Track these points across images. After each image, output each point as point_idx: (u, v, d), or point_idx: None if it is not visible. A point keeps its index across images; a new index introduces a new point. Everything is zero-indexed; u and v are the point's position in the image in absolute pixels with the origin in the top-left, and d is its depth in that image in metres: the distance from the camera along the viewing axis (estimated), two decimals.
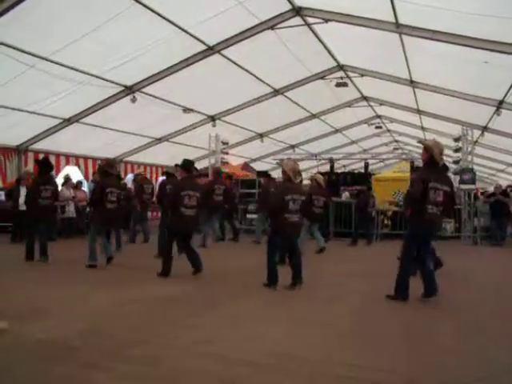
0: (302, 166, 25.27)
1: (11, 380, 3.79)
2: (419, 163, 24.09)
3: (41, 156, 14.86)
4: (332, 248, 12.23)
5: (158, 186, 12.32)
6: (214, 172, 14.15)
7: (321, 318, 5.70)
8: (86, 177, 16.70)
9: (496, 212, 14.63)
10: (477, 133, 16.93)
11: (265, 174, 15.31)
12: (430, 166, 6.44)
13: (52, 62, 10.49)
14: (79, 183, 15.70)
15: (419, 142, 7.38)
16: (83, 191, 15.86)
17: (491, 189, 17.18)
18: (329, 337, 4.96)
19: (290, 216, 7.11)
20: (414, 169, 14.73)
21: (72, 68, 11.07)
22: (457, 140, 15.68)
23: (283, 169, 7.40)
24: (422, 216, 6.30)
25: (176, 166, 9.53)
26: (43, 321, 5.33)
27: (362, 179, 18.04)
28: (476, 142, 17.44)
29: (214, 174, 13.79)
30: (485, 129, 16.67)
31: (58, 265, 9.39)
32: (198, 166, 20.99)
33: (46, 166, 9.70)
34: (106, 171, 9.10)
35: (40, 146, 14.69)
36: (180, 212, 7.95)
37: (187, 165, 8.41)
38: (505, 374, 4.05)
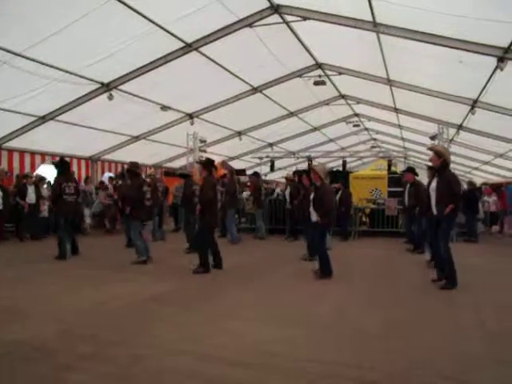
0: (281, 164, 25.43)
1: None
2: (397, 161, 24.49)
3: (15, 154, 14.66)
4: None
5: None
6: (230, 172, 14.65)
7: (303, 315, 5.73)
8: None
9: (466, 209, 14.89)
10: (452, 131, 17.15)
11: (255, 174, 15.80)
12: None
13: (26, 58, 10.29)
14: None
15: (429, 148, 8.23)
16: None
17: (465, 186, 17.46)
18: (310, 334, 4.99)
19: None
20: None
21: (47, 64, 10.87)
22: (433, 138, 15.84)
23: (315, 171, 8.26)
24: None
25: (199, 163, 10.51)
26: (21, 321, 5.26)
27: (340, 177, 18.12)
28: (452, 140, 17.66)
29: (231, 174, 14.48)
30: (460, 127, 16.89)
31: (36, 264, 9.31)
32: (176, 164, 20.96)
33: (62, 165, 10.47)
34: (134, 171, 9.80)
35: (14, 144, 14.41)
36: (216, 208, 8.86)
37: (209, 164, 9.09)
38: (482, 366, 4.12)
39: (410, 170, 12.02)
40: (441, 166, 7.33)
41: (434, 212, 7.26)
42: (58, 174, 10.37)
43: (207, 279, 8.01)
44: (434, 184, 7.37)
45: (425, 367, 4.04)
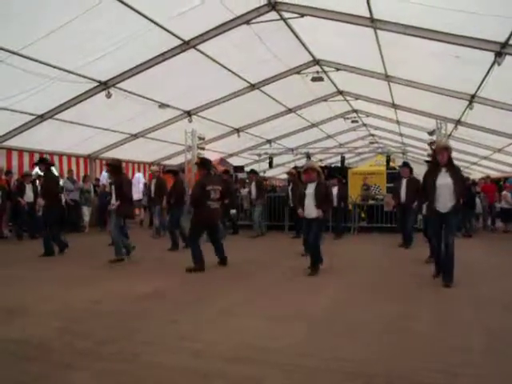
0: (280, 160, 25.44)
1: None
2: (396, 157, 24.51)
3: (14, 153, 14.64)
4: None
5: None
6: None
7: (299, 311, 5.74)
8: (62, 174, 16.48)
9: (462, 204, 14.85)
10: (450, 126, 17.17)
11: (252, 171, 15.91)
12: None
13: (24, 56, 10.27)
14: None
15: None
16: None
17: None
18: (307, 329, 5.00)
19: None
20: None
21: (45, 63, 10.86)
22: (431, 133, 15.88)
23: (314, 168, 8.49)
24: None
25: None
26: (18, 321, 5.27)
27: (338, 173, 18.14)
28: (450, 135, 17.68)
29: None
30: (458, 122, 16.91)
31: (32, 263, 9.31)
32: (175, 162, 20.95)
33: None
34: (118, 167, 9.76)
35: (13, 143, 14.41)
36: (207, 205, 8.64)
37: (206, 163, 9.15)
38: (479, 358, 4.14)
39: (407, 165, 11.91)
40: (450, 159, 7.21)
41: (444, 208, 7.08)
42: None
43: (202, 276, 8.02)
44: (444, 180, 7.13)
45: (421, 361, 4.06)
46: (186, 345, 4.47)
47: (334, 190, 13.37)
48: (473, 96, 13.56)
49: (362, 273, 8.45)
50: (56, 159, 16.34)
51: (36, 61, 10.62)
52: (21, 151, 14.92)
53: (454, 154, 21.41)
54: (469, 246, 12.15)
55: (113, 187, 9.57)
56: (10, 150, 14.63)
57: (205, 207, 8.57)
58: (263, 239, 13.97)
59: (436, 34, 10.15)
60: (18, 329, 4.93)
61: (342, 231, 14.17)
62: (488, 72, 11.24)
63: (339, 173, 17.67)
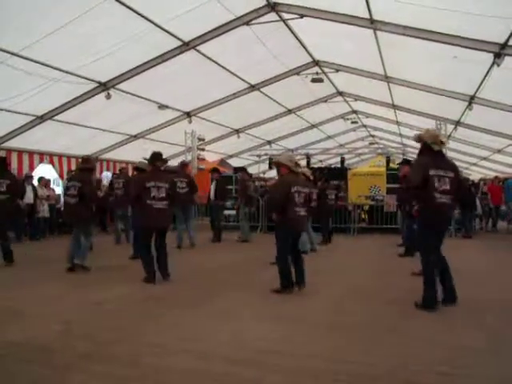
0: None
1: None
2: (396, 158, 24.50)
3: (13, 154, 14.62)
4: None
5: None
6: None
7: (300, 313, 5.75)
8: (61, 175, 16.47)
9: (462, 206, 14.83)
10: (450, 127, 17.18)
11: (241, 169, 15.30)
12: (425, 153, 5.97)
13: (23, 57, 10.26)
14: (47, 181, 15.53)
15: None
16: (52, 189, 15.76)
17: None
18: (308, 331, 5.01)
19: (298, 210, 6.66)
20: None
21: (44, 64, 10.83)
22: None
23: (280, 163, 6.89)
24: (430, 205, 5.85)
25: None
26: (18, 322, 5.26)
27: (338, 174, 18.16)
28: (450, 136, 17.70)
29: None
30: (458, 123, 16.93)
31: (32, 265, 9.28)
32: (175, 163, 20.90)
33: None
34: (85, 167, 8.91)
35: (12, 144, 14.35)
36: (148, 205, 7.43)
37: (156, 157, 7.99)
38: (480, 359, 4.13)
39: (407, 162, 10.69)
40: (419, 151, 6.21)
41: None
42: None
43: (201, 278, 8.03)
44: None
45: (422, 363, 4.06)
46: (189, 347, 4.47)
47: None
48: (472, 97, 13.57)
49: (361, 276, 8.44)
50: (56, 160, 16.31)
51: (36, 62, 10.60)
52: (20, 152, 14.89)
53: (453, 155, 21.59)
54: (468, 247, 12.17)
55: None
56: (9, 150, 14.59)
57: (147, 207, 7.47)
58: (262, 241, 13.94)
59: (435, 35, 10.15)
60: (19, 331, 4.92)
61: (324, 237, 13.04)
62: (487, 73, 11.25)
63: (340, 174, 17.74)
